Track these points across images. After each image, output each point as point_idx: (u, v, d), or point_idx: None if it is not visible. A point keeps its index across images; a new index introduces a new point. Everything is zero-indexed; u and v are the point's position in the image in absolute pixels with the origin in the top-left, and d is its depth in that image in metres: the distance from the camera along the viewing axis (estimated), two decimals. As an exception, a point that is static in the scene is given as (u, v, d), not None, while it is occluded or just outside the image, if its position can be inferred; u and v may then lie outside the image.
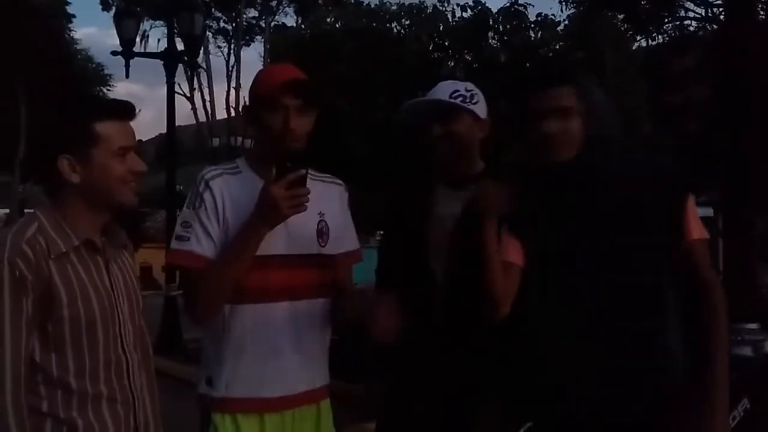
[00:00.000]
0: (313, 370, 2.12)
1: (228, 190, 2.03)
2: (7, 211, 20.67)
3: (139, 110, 1.92)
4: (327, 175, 2.24)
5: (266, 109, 2.02)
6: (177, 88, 12.35)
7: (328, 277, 2.14)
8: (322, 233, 2.10)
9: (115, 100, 1.89)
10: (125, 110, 1.82)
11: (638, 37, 18.12)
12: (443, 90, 2.39)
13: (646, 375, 1.91)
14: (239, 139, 22.57)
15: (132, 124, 1.85)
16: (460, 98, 2.35)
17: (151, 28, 27.52)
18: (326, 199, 2.14)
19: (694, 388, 1.91)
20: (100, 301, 1.75)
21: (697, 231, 1.98)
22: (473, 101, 2.37)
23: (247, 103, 2.15)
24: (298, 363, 2.06)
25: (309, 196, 2.01)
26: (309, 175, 2.07)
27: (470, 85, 2.41)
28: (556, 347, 1.98)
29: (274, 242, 1.99)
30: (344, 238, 2.20)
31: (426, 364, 2.29)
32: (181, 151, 17.28)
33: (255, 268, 1.98)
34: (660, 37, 19.12)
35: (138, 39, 12.18)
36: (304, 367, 2.08)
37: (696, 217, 1.99)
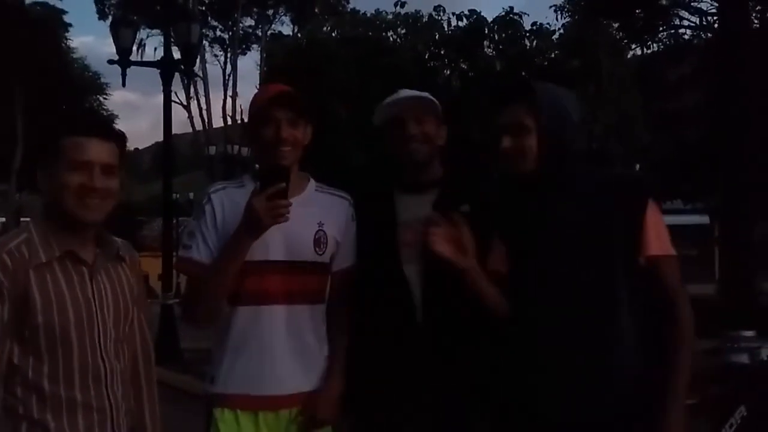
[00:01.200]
0: (310, 373, 2.21)
1: (229, 202, 2.18)
2: (4, 219, 20.65)
3: (120, 131, 1.93)
4: (336, 190, 2.35)
5: (259, 122, 2.17)
6: (173, 97, 12.37)
7: (324, 284, 2.26)
8: (319, 242, 2.21)
9: (86, 116, 1.96)
10: (92, 126, 1.88)
11: (633, 46, 18.20)
12: (410, 91, 2.44)
13: (596, 383, 1.95)
14: (236, 147, 22.59)
15: (127, 133, 1.92)
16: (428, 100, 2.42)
17: (147, 36, 27.50)
18: (328, 211, 2.26)
19: (653, 398, 1.94)
20: (76, 310, 1.80)
21: (657, 247, 1.99)
22: (434, 105, 2.43)
23: (246, 118, 2.31)
24: (292, 365, 2.17)
25: (311, 207, 2.21)
26: (317, 188, 2.30)
27: (428, 94, 2.45)
28: (519, 352, 2.07)
29: (272, 249, 2.13)
30: (344, 253, 2.30)
31: (408, 365, 2.29)
32: (177, 160, 17.32)
33: (252, 273, 2.12)
34: (655, 45, 19.21)
35: (135, 48, 12.23)
36: (298, 369, 2.18)
37: (660, 233, 2.01)
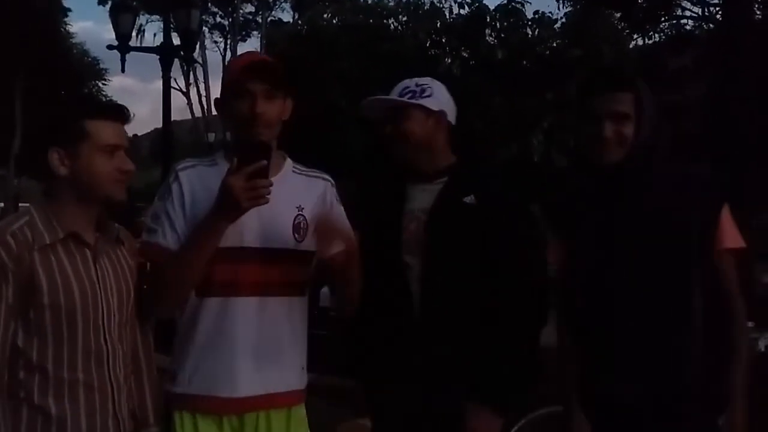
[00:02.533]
0: (283, 371, 2.00)
1: (199, 182, 1.97)
2: (2, 205, 20.62)
3: (133, 114, 1.97)
4: (314, 170, 2.15)
5: (233, 95, 1.95)
6: (173, 83, 12.33)
7: (304, 275, 2.04)
8: (299, 228, 1.99)
9: (109, 103, 1.99)
10: (117, 112, 1.91)
11: (635, 36, 18.14)
12: (397, 90, 2.39)
13: (665, 372, 1.98)
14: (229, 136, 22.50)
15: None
16: (409, 94, 2.33)
17: (147, 22, 27.46)
18: (308, 194, 2.06)
19: (712, 390, 1.98)
20: (82, 292, 1.81)
21: (729, 240, 2.03)
22: (424, 95, 2.34)
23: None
24: (264, 363, 1.95)
25: (289, 189, 1.98)
26: (294, 169, 2.07)
27: (424, 80, 2.39)
28: (589, 341, 2.09)
29: (247, 234, 1.92)
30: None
31: (406, 358, 2.27)
32: (176, 146, 17.26)
33: (224, 261, 1.90)
34: (657, 35, 19.15)
35: (134, 33, 12.18)
36: (270, 367, 1.97)
37: (731, 225, 2.05)
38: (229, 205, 1.80)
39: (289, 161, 2.09)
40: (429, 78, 2.43)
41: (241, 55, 2.34)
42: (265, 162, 1.79)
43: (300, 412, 2.05)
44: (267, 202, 1.82)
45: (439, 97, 2.37)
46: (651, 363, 1.99)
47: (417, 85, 2.36)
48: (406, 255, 2.30)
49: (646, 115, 2.00)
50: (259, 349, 1.95)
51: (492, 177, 2.49)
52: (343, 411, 2.36)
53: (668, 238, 1.99)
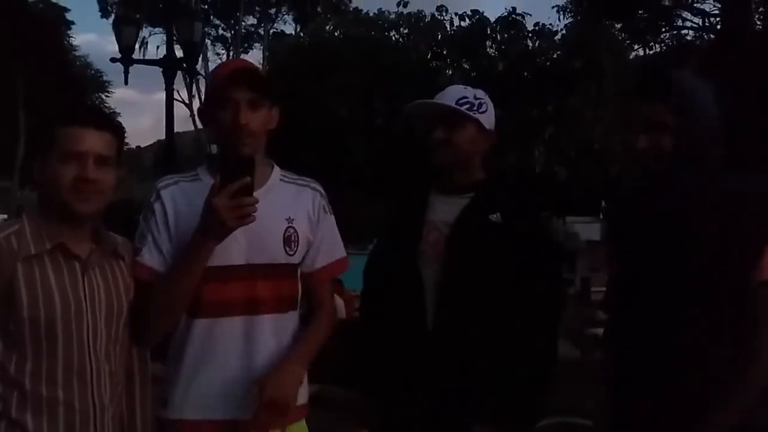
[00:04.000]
0: None
1: (182, 199, 1.90)
2: (5, 216, 20.67)
3: (117, 122, 1.86)
4: (304, 178, 2.08)
5: (216, 104, 1.87)
6: (175, 95, 12.38)
7: (295, 288, 1.98)
8: (290, 240, 1.93)
9: (80, 107, 1.90)
10: (86, 116, 1.81)
11: (635, 46, 18.19)
12: (451, 94, 2.32)
13: (684, 396, 1.88)
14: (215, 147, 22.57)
15: (129, 131, 1.86)
16: (467, 105, 2.27)
17: (150, 35, 27.55)
18: (296, 204, 1.98)
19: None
20: (64, 306, 1.72)
21: None
22: (480, 110, 2.29)
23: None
24: (254, 387, 1.86)
25: (278, 200, 1.91)
26: (282, 178, 1.99)
27: (480, 93, 2.32)
28: (615, 358, 2.02)
29: (235, 251, 1.85)
30: (321, 248, 2.03)
31: (420, 370, 2.25)
32: (179, 158, 17.29)
33: (212, 280, 1.83)
34: (657, 46, 19.20)
35: (137, 46, 12.22)
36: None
37: None
38: (214, 226, 1.73)
39: (276, 170, 2.01)
40: (482, 92, 2.35)
41: (225, 62, 2.25)
42: (248, 178, 1.71)
43: (298, 427, 2.00)
44: (253, 221, 1.74)
45: (491, 116, 2.33)
46: (670, 386, 1.89)
47: (476, 98, 2.29)
48: (422, 265, 2.26)
49: (689, 123, 1.84)
50: (249, 369, 1.88)
51: (518, 195, 2.42)
52: (345, 422, 2.35)
53: (707, 262, 1.86)
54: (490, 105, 2.32)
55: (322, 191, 2.06)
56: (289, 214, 1.94)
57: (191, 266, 1.80)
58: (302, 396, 2.00)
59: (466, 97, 2.28)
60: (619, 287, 2.03)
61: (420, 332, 2.25)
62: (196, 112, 2.04)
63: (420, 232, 2.28)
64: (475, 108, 2.28)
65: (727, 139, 1.95)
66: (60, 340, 1.71)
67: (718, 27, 15.57)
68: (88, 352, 1.75)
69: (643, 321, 1.94)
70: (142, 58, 17.23)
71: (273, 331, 1.92)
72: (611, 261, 2.10)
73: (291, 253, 1.93)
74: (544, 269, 2.26)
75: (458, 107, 2.26)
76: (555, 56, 10.55)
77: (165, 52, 10.97)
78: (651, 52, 19.13)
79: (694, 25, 18.44)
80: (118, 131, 1.83)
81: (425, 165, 2.36)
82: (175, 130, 11.15)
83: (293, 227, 1.94)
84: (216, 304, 1.86)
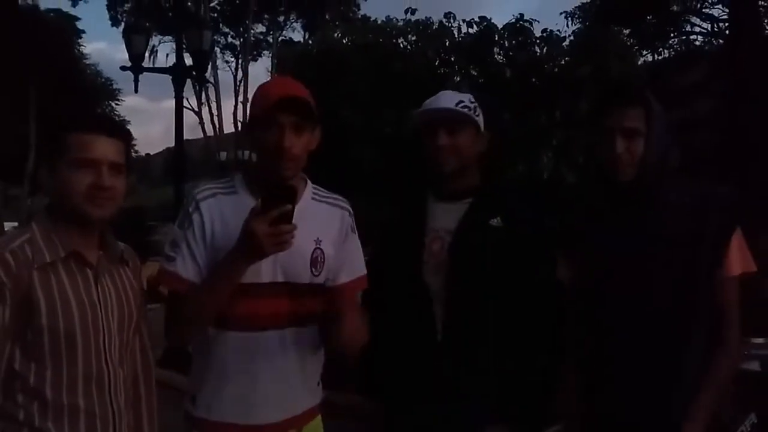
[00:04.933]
0: (297, 397, 2.03)
1: (219, 213, 1.95)
2: (16, 224, 20.78)
3: (125, 129, 1.88)
4: (334, 196, 2.13)
5: (261, 126, 1.92)
6: (185, 103, 12.45)
7: (318, 306, 2.03)
8: (316, 262, 1.99)
9: (91, 114, 1.90)
10: (98, 123, 1.82)
11: (644, 52, 18.16)
12: (448, 98, 2.32)
13: (662, 392, 1.98)
14: (246, 152, 22.68)
15: (137, 136, 1.86)
16: (466, 109, 2.29)
17: (159, 43, 27.74)
18: (326, 225, 2.04)
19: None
20: (82, 313, 1.74)
21: (737, 265, 2.00)
22: (476, 113, 2.32)
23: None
24: (279, 392, 1.98)
25: (308, 221, 1.94)
26: (314, 196, 2.04)
27: (472, 98, 2.35)
28: (590, 357, 2.08)
29: (264, 270, 1.92)
30: (344, 266, 2.08)
31: (430, 378, 2.25)
32: (189, 165, 17.37)
33: (242, 296, 1.90)
34: (666, 52, 19.16)
35: (147, 54, 12.30)
36: (285, 396, 2.00)
37: (742, 249, 2.02)
38: (251, 249, 1.78)
39: (309, 187, 2.06)
40: (472, 96, 2.37)
41: (273, 83, 2.17)
42: (289, 206, 1.76)
43: (314, 426, 2.09)
44: (290, 247, 1.79)
45: (482, 119, 2.34)
46: (649, 383, 1.98)
47: (471, 102, 2.31)
48: (427, 276, 2.26)
49: (656, 131, 1.98)
50: (275, 380, 1.97)
51: (518, 199, 2.42)
52: (354, 427, 2.35)
53: (674, 258, 1.97)
54: (479, 109, 2.33)
55: (350, 210, 2.11)
56: (318, 236, 2.00)
57: (224, 283, 1.85)
58: (317, 395, 2.09)
59: (463, 101, 2.30)
60: (588, 292, 2.09)
61: (429, 341, 2.24)
62: (240, 125, 2.05)
63: (422, 241, 2.28)
64: (472, 111, 2.30)
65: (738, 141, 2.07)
66: (79, 348, 1.73)
67: (727, 32, 15.53)
68: (105, 358, 1.78)
69: (616, 321, 2.02)
70: (151, 66, 17.32)
71: (299, 343, 2.00)
72: (575, 264, 2.15)
73: (316, 274, 1.99)
74: (548, 273, 2.25)
75: (461, 110, 2.27)
76: (563, 62, 10.56)
77: (174, 61, 11.04)
78: (660, 57, 19.09)
79: (703, 31, 18.41)
80: (128, 138, 1.86)
81: (423, 172, 2.35)
82: (185, 138, 11.20)
83: (320, 249, 2.00)
84: (244, 319, 1.93)
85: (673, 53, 19.18)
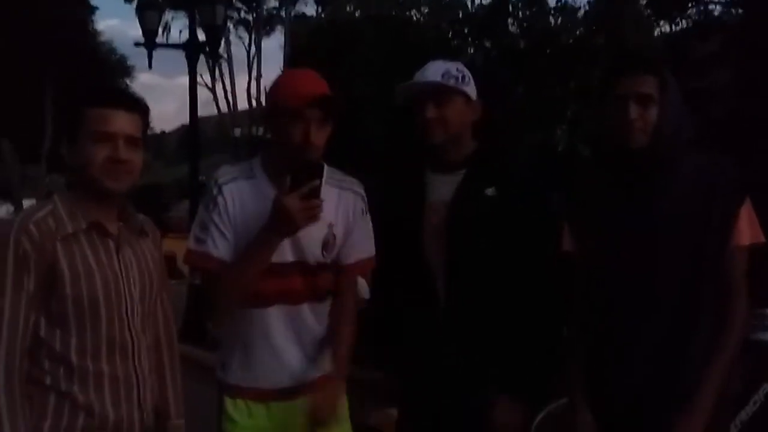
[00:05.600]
0: (320, 361, 2.19)
1: (240, 197, 2.08)
2: (34, 201, 21.03)
3: (143, 102, 1.90)
4: (348, 179, 2.22)
5: (287, 119, 2.02)
6: (199, 79, 12.46)
7: (331, 282, 2.20)
8: (327, 244, 2.14)
9: (109, 88, 1.95)
10: (116, 98, 1.86)
11: (661, 23, 17.87)
12: (434, 70, 2.31)
13: (669, 367, 1.97)
14: (261, 129, 22.69)
15: (154, 116, 1.88)
16: (452, 80, 2.29)
17: (172, 19, 27.69)
18: (339, 209, 2.16)
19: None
20: (104, 283, 1.80)
21: (746, 236, 1.99)
22: (464, 82, 2.30)
23: (265, 104, 2.18)
24: (301, 360, 2.16)
25: (323, 205, 2.05)
26: (328, 180, 2.12)
27: (460, 66, 2.35)
28: (593, 333, 2.08)
29: (279, 251, 2.05)
30: (351, 248, 2.20)
31: (434, 353, 2.28)
32: (203, 142, 17.43)
33: (261, 274, 2.05)
34: (683, 22, 18.83)
35: (160, 30, 12.29)
36: (307, 363, 2.17)
37: (751, 220, 2.01)
38: (284, 223, 1.93)
39: (325, 170, 2.11)
40: (461, 64, 2.37)
41: (300, 78, 2.18)
42: (318, 182, 1.92)
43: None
44: (318, 220, 1.98)
45: (473, 86, 2.34)
46: (655, 357, 1.97)
47: (458, 71, 2.31)
48: (428, 248, 2.28)
49: (670, 99, 1.98)
50: (295, 350, 2.15)
51: (513, 168, 2.43)
52: (373, 401, 2.40)
53: (683, 231, 1.96)
54: (470, 76, 2.33)
55: (363, 194, 2.23)
56: (331, 220, 2.12)
57: (258, 259, 2.00)
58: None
59: (449, 71, 2.29)
60: (594, 264, 2.09)
61: (433, 313, 2.28)
62: (231, 104, 2.14)
63: (421, 214, 2.30)
64: (459, 80, 2.29)
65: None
66: (103, 316, 1.79)
67: (746, 1, 15.22)
68: (128, 326, 1.85)
69: (625, 293, 2.01)
70: (165, 42, 17.30)
71: (314, 316, 2.17)
72: (581, 237, 2.14)
73: (326, 255, 2.15)
74: (546, 242, 2.27)
75: (445, 82, 2.26)
76: (578, 33, 10.46)
77: (188, 36, 11.02)
78: (677, 28, 18.77)
79: (722, 0, 18.06)
80: (145, 112, 1.89)
81: (418, 144, 2.36)
82: (199, 114, 11.21)
83: (333, 233, 2.14)
84: (260, 296, 2.08)
85: (690, 23, 18.85)
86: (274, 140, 2.12)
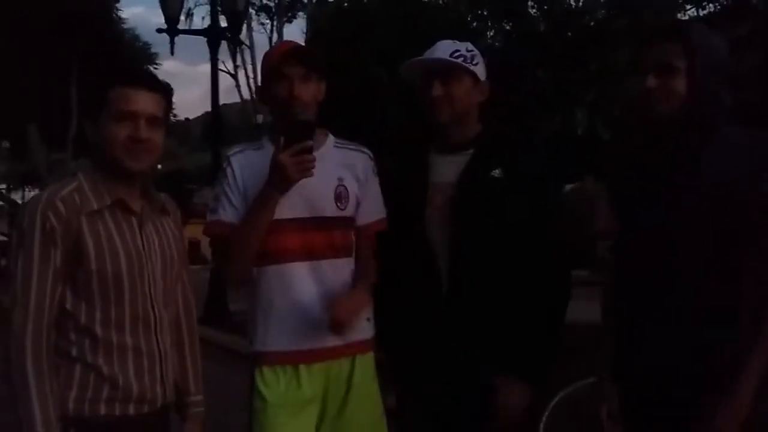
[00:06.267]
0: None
1: (248, 164, 2.19)
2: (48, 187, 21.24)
3: (166, 83, 1.94)
4: (356, 145, 2.31)
5: (272, 80, 2.15)
6: (221, 66, 12.53)
7: (349, 238, 2.24)
8: (340, 197, 2.20)
9: (132, 68, 1.98)
10: (138, 77, 1.89)
11: (688, 6, 17.57)
12: (443, 49, 2.30)
13: (702, 350, 1.86)
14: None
15: (175, 101, 1.90)
16: (461, 58, 2.27)
17: (195, 5, 27.87)
18: (348, 165, 2.24)
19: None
20: (128, 258, 1.85)
21: None
22: (473, 62, 2.29)
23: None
24: (321, 321, 2.12)
25: (330, 162, 2.18)
26: (336, 144, 2.27)
27: (470, 46, 2.33)
28: (623, 308, 2.02)
29: (292, 207, 2.13)
30: (366, 207, 2.26)
31: (437, 335, 2.28)
32: (226, 129, 17.55)
33: (273, 232, 2.12)
34: (711, 5, 18.49)
35: (183, 17, 12.37)
36: (327, 324, 2.12)
37: None
38: (280, 179, 2.02)
39: (331, 137, 2.28)
40: (471, 45, 2.36)
41: (277, 44, 2.56)
42: (310, 142, 2.00)
43: (365, 359, 2.25)
44: (312, 175, 2.04)
45: (483, 67, 2.33)
46: (689, 339, 1.87)
47: (467, 51, 2.30)
48: (431, 229, 2.28)
49: (703, 64, 1.83)
50: (317, 306, 2.14)
51: (521, 151, 2.40)
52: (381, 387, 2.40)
53: (722, 208, 1.83)
54: (481, 57, 2.33)
55: (371, 155, 2.31)
56: (340, 174, 2.21)
57: (260, 216, 2.09)
58: (368, 330, 2.27)
59: (459, 50, 2.29)
60: (632, 239, 1.99)
61: (435, 295, 2.28)
62: (254, 90, 2.26)
63: (425, 195, 2.30)
64: (469, 60, 2.29)
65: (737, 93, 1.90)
66: (126, 291, 1.84)
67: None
68: (151, 301, 1.89)
69: (660, 273, 1.90)
70: (187, 28, 17.39)
71: (334, 273, 2.19)
72: (619, 215, 2.06)
73: (342, 207, 2.20)
74: (551, 224, 2.27)
75: (455, 60, 2.26)
76: (599, 15, 10.33)
77: (210, 22, 11.08)
78: (704, 12, 18.44)
79: (750, -18, 17.66)
80: (168, 93, 1.94)
81: (423, 124, 2.37)
82: (222, 102, 11.29)
83: (344, 185, 2.21)
84: (279, 252, 2.14)
85: (718, 7, 18.49)
86: (270, 107, 2.22)
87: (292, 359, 2.17)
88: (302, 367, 2.17)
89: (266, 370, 2.17)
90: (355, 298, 2.18)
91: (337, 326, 2.09)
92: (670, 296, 1.89)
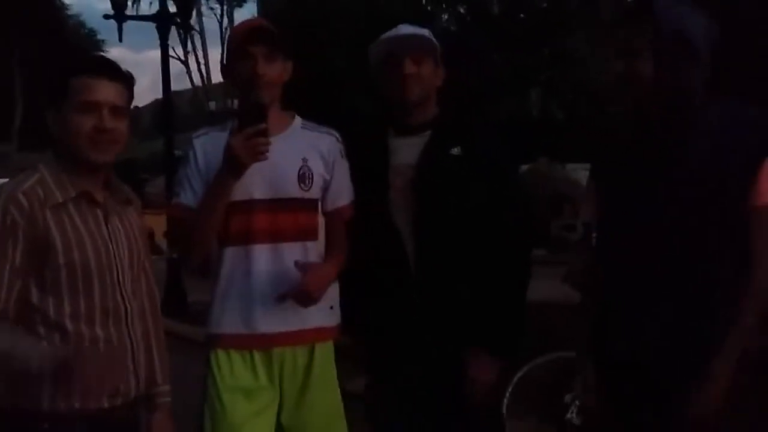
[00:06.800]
0: (302, 312, 2.12)
1: (212, 146, 2.14)
2: (7, 181, 20.72)
3: (128, 72, 1.90)
4: (324, 127, 2.27)
5: (236, 59, 2.12)
6: (171, 52, 12.25)
7: (314, 220, 2.20)
8: (304, 177, 2.16)
9: (94, 56, 1.92)
10: (100, 66, 1.85)
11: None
12: (411, 28, 2.33)
13: (685, 333, 1.85)
14: (236, 102, 22.44)
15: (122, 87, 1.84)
16: (428, 42, 2.32)
17: (142, -10, 27.15)
18: (313, 146, 2.20)
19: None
20: (95, 250, 1.81)
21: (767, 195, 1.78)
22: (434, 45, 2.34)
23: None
24: (281, 305, 2.10)
25: (295, 143, 2.16)
26: (303, 125, 2.23)
27: (429, 32, 2.36)
28: (610, 295, 1.98)
29: (256, 187, 2.10)
30: (336, 190, 2.23)
31: (405, 315, 2.29)
32: (178, 116, 17.22)
33: (237, 213, 2.11)
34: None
35: (130, 2, 12.06)
36: (289, 308, 2.10)
37: None
38: (232, 163, 2.00)
39: (298, 119, 2.25)
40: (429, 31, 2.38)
41: (242, 21, 2.43)
42: (264, 126, 1.96)
43: (325, 347, 2.21)
44: (266, 159, 1.99)
45: (439, 54, 2.35)
46: (670, 324, 1.85)
47: (429, 34, 2.33)
48: (395, 212, 2.28)
49: (664, 48, 1.77)
50: (276, 291, 2.10)
51: (477, 129, 2.43)
52: (347, 368, 2.40)
53: (699, 190, 1.80)
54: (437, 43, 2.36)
55: (339, 137, 2.27)
56: (304, 155, 2.17)
57: (216, 200, 2.07)
58: (330, 317, 2.22)
59: (424, 34, 2.32)
60: (617, 226, 1.97)
61: (403, 277, 2.28)
62: (220, 69, 2.19)
63: (386, 178, 2.30)
64: (434, 44, 2.33)
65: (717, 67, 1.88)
66: (95, 283, 1.82)
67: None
68: (120, 292, 1.87)
69: (642, 254, 1.89)
70: (135, 14, 16.97)
71: (297, 257, 2.12)
72: (601, 201, 2.05)
73: (306, 188, 2.16)
74: (511, 201, 2.31)
75: (427, 36, 2.30)
76: (552, -3, 10.46)
77: (158, 8, 10.83)
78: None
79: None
80: (129, 81, 1.90)
81: (382, 107, 2.38)
82: (172, 89, 11.04)
83: (308, 166, 2.16)
84: (242, 234, 2.12)
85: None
86: (234, 86, 2.19)
87: (246, 343, 2.14)
88: (256, 353, 2.14)
89: (221, 353, 2.15)
90: (325, 270, 2.15)
91: (303, 294, 2.06)
92: (654, 281, 1.88)
